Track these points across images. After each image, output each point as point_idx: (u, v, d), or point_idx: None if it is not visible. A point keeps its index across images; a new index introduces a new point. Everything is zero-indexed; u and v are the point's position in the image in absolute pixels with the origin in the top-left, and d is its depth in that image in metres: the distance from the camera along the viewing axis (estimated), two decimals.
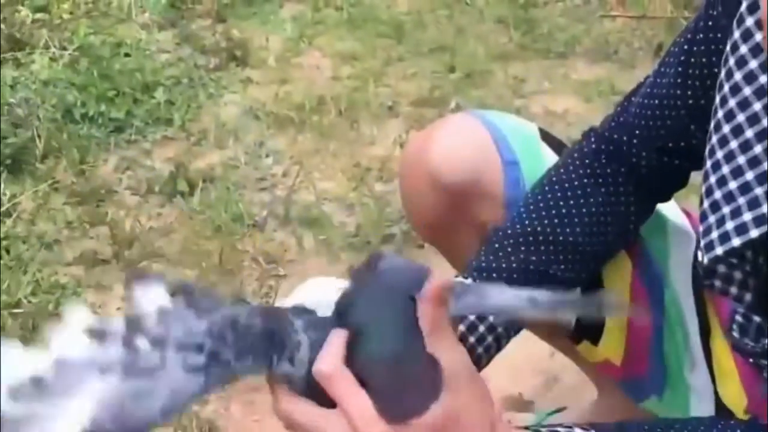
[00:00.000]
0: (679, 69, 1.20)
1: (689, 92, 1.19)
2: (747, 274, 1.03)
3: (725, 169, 1.03)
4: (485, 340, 1.18)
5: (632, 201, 1.29)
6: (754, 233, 0.98)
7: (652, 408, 1.44)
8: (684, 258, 1.37)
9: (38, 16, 3.23)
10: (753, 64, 1.02)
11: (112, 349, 0.86)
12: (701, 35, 1.16)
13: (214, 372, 0.89)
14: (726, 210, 1.02)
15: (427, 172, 1.36)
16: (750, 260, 1.03)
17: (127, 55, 3.06)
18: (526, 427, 1.03)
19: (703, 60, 1.16)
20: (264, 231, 2.41)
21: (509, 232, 1.26)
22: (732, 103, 1.03)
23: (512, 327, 1.22)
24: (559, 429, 1.01)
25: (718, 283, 1.06)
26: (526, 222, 1.25)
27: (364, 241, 2.37)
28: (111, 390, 0.85)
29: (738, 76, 1.04)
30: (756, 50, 1.01)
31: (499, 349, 1.21)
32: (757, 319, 1.05)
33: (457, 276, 1.24)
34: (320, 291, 1.02)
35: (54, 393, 0.84)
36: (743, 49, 1.05)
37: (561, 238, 1.24)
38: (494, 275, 1.21)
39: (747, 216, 1.00)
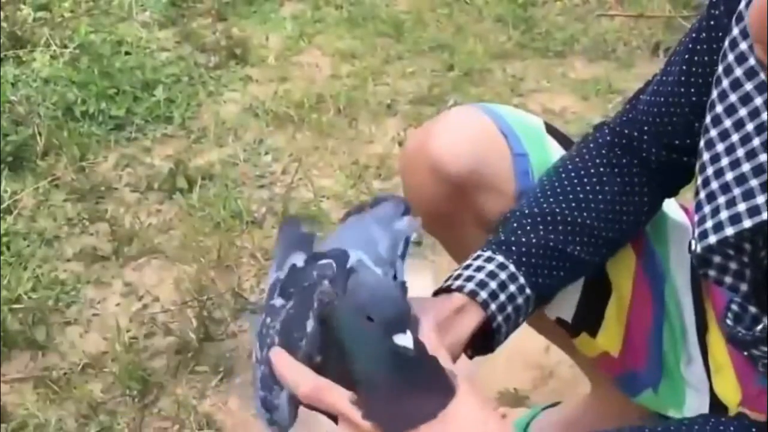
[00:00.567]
0: (683, 68, 1.21)
1: (692, 90, 1.21)
2: (743, 264, 1.05)
3: (724, 161, 1.05)
4: (505, 309, 1.20)
5: (645, 192, 1.31)
6: (747, 223, 1.00)
7: (647, 402, 1.45)
8: (683, 253, 1.38)
9: (39, 14, 3.24)
10: (753, 60, 1.03)
11: None
12: (704, 34, 1.18)
13: None
14: (721, 200, 1.04)
15: (429, 162, 1.36)
16: (747, 251, 1.04)
17: (127, 53, 3.07)
18: None
19: (705, 59, 1.18)
20: (262, 227, 2.42)
21: (526, 212, 1.27)
22: (733, 97, 1.04)
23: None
24: None
25: (713, 273, 1.07)
26: (544, 205, 1.26)
27: None
28: None
29: (738, 71, 1.06)
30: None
31: (517, 324, 1.24)
32: (752, 309, 1.07)
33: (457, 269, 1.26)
34: None
35: None
36: (743, 45, 1.06)
37: (579, 220, 1.25)
38: (513, 248, 1.22)
39: (741, 206, 1.01)
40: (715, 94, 1.07)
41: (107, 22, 3.23)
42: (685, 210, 1.44)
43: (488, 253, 1.23)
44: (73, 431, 1.93)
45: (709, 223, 1.04)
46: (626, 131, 1.29)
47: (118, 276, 2.29)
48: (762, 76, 1.00)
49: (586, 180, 1.28)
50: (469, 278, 1.20)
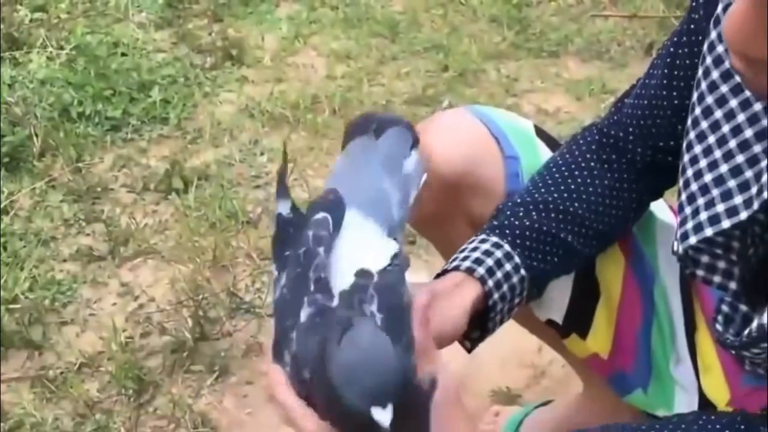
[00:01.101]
0: (665, 71, 1.23)
1: (675, 93, 1.23)
2: (732, 263, 1.06)
3: (702, 163, 1.06)
4: (501, 288, 1.22)
5: (633, 189, 1.32)
6: (726, 224, 1.02)
7: (637, 402, 1.46)
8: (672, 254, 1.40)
9: (36, 15, 3.25)
10: (729, 63, 1.05)
11: None
12: (684, 38, 1.20)
13: None
14: (701, 201, 1.05)
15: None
16: (735, 250, 1.06)
17: (123, 54, 3.08)
18: None
19: (687, 62, 1.20)
20: (258, 228, 2.44)
21: (519, 201, 1.28)
22: (710, 99, 1.06)
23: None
24: None
25: (701, 272, 1.09)
26: (536, 194, 1.28)
27: None
28: None
29: (715, 74, 1.07)
30: None
31: (512, 306, 1.25)
32: (743, 308, 1.08)
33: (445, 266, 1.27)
34: None
35: None
36: (720, 48, 1.08)
37: (571, 209, 1.27)
38: (507, 231, 1.24)
39: (720, 207, 1.03)
40: (695, 96, 1.09)
41: (103, 24, 3.24)
42: (674, 211, 1.45)
43: (483, 236, 1.25)
44: (69, 430, 1.94)
45: (689, 224, 1.06)
46: (613, 132, 1.31)
47: (114, 276, 2.30)
48: (737, 78, 1.02)
49: (577, 173, 1.30)
50: (466, 258, 1.21)
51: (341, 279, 1.04)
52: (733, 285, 1.07)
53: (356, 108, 2.88)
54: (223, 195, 2.51)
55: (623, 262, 1.41)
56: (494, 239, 1.23)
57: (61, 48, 3.06)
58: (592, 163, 1.31)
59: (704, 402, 1.39)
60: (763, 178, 0.98)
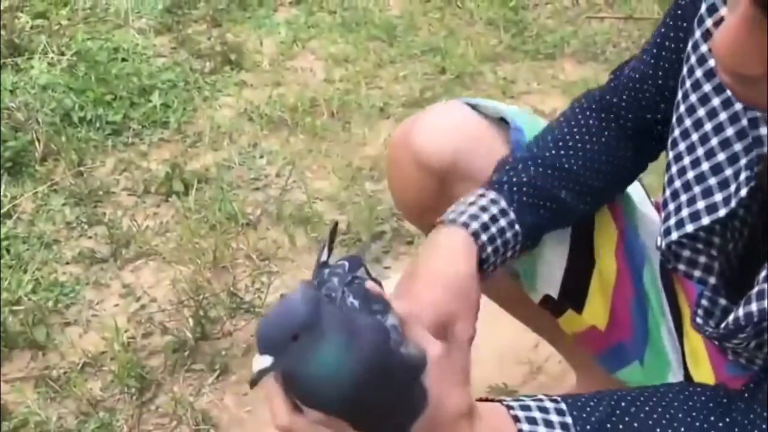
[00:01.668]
0: (654, 51, 1.27)
1: (660, 73, 1.27)
2: (711, 258, 1.09)
3: (685, 160, 1.09)
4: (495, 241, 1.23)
5: (628, 149, 1.35)
6: (706, 221, 1.04)
7: (632, 377, 1.47)
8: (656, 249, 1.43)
9: (37, 22, 3.29)
10: (712, 62, 1.08)
11: None
12: (671, 22, 1.23)
13: None
14: (683, 198, 1.08)
15: (413, 155, 1.39)
16: (716, 245, 1.08)
17: (124, 59, 3.12)
18: (499, 400, 1.06)
19: (672, 45, 1.23)
20: (257, 229, 2.46)
21: (518, 157, 1.31)
22: (693, 98, 1.09)
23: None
24: (529, 403, 1.05)
25: (682, 266, 1.11)
26: (535, 151, 1.31)
27: (355, 238, 2.42)
28: None
29: (699, 73, 1.10)
30: None
31: (504, 259, 1.26)
32: (722, 301, 1.11)
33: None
34: None
35: None
36: (703, 48, 1.11)
37: (566, 166, 1.30)
38: (505, 187, 1.26)
39: (701, 204, 1.06)
40: (680, 94, 1.11)
41: (104, 29, 3.28)
42: (657, 207, 1.48)
43: (481, 191, 1.26)
44: (73, 428, 1.96)
45: (672, 221, 1.08)
46: (608, 97, 1.34)
47: (116, 277, 2.33)
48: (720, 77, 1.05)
49: (576, 130, 1.33)
50: (462, 212, 1.23)
51: None
52: (712, 279, 1.10)
53: (354, 111, 2.91)
54: (222, 197, 2.54)
55: (616, 235, 1.43)
56: (492, 195, 1.25)
57: (62, 54, 3.09)
58: (591, 121, 1.34)
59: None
60: (742, 176, 1.01)
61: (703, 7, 1.12)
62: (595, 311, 1.45)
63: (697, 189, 1.07)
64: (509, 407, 1.04)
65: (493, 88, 3.04)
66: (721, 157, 1.05)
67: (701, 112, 1.08)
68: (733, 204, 1.02)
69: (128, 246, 2.41)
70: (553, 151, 1.30)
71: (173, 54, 3.20)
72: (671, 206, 1.10)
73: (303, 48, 3.27)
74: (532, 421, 1.03)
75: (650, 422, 1.05)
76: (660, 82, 1.27)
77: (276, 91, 3.01)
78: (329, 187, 2.61)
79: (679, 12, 1.22)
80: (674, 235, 1.08)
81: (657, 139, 1.33)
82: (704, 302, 1.11)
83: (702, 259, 1.10)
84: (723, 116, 1.05)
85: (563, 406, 1.05)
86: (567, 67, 3.16)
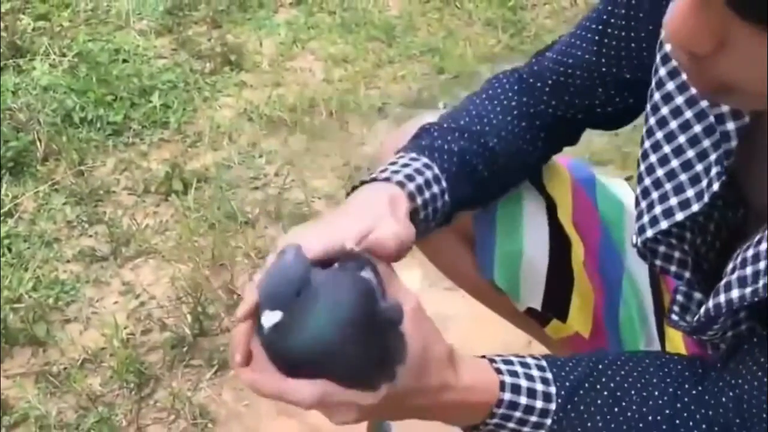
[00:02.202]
0: (596, 38, 1.26)
1: (603, 60, 1.26)
2: (685, 253, 1.11)
3: (653, 158, 1.10)
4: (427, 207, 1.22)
5: (543, 138, 1.35)
6: (679, 216, 1.06)
7: None
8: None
9: (39, 24, 3.32)
10: (675, 61, 1.09)
11: None
12: (622, 11, 1.23)
13: None
14: (655, 195, 1.09)
15: None
16: (688, 240, 1.10)
17: (125, 60, 3.15)
18: (482, 356, 1.09)
19: (622, 34, 1.23)
20: (255, 228, 2.49)
21: (445, 125, 1.30)
22: (656, 96, 1.09)
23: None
24: (512, 358, 1.09)
25: (659, 262, 1.13)
26: (461, 122, 1.30)
27: None
28: None
29: (663, 71, 1.11)
30: None
31: (428, 228, 1.24)
32: (697, 295, 1.12)
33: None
34: None
35: None
36: (668, 47, 1.11)
37: (490, 144, 1.29)
38: (436, 155, 1.25)
39: (673, 201, 1.07)
40: (648, 106, 1.12)
41: (105, 31, 3.31)
42: None
43: (413, 154, 1.24)
44: (72, 422, 1.99)
45: (645, 218, 1.10)
46: (531, 80, 1.33)
47: (116, 275, 2.36)
48: (683, 76, 1.06)
49: (499, 109, 1.32)
50: (396, 171, 1.20)
51: None
52: (687, 274, 1.11)
53: (353, 111, 2.94)
54: (221, 196, 2.57)
55: (582, 253, 1.45)
56: (424, 159, 1.23)
57: (64, 55, 3.12)
58: (513, 104, 1.33)
59: None
60: (712, 171, 1.02)
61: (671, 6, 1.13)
62: (579, 319, 1.47)
63: (668, 186, 1.08)
64: (492, 360, 1.07)
65: None
66: (690, 153, 1.06)
67: (665, 110, 1.08)
68: (705, 199, 1.03)
69: (128, 244, 2.44)
70: (478, 126, 1.30)
71: (174, 55, 3.23)
72: (643, 204, 1.11)
73: (303, 49, 3.29)
74: (513, 374, 1.06)
75: (626, 384, 1.08)
76: (603, 69, 1.26)
77: (275, 92, 3.03)
78: (327, 186, 2.64)
79: (633, 2, 1.21)
80: (649, 233, 1.09)
81: (579, 124, 1.33)
82: (679, 297, 1.13)
83: (677, 254, 1.11)
84: (689, 114, 1.06)
85: (544, 363, 1.09)
86: None
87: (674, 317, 1.12)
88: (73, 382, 2.05)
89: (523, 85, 1.34)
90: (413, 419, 1.06)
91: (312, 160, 2.74)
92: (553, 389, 1.07)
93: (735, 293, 0.97)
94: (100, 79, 2.99)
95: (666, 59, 1.09)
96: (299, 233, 1.08)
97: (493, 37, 3.34)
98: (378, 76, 3.14)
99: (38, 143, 2.72)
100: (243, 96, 3.02)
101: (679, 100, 1.06)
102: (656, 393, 1.07)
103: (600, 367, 1.09)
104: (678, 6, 0.81)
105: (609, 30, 1.24)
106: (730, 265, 1.00)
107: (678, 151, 1.06)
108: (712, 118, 1.02)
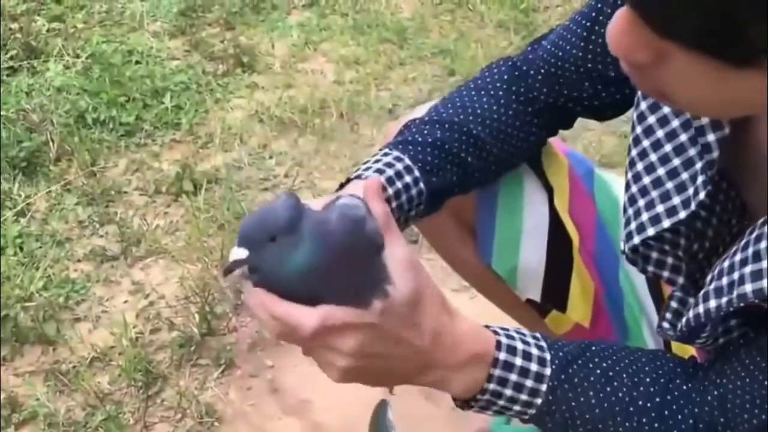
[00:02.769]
0: (584, 34, 1.28)
1: (590, 56, 1.28)
2: (679, 259, 1.11)
3: (639, 166, 1.11)
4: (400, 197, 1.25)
5: (535, 124, 1.37)
6: (666, 223, 1.07)
7: None
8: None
9: (53, 25, 3.35)
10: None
11: None
12: (609, 11, 1.24)
13: None
14: (641, 203, 1.10)
15: None
16: (681, 246, 1.11)
17: (138, 62, 3.17)
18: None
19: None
20: None
21: (426, 119, 1.33)
22: (643, 105, 1.10)
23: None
24: (507, 326, 1.10)
25: (651, 268, 1.14)
26: (443, 114, 1.32)
27: None
28: None
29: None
30: None
31: (408, 218, 1.27)
32: (692, 300, 1.13)
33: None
34: None
35: None
36: None
37: (474, 132, 1.31)
38: (410, 148, 1.27)
39: (660, 208, 1.08)
40: (635, 115, 1.13)
41: (119, 33, 3.33)
42: None
43: (386, 150, 1.28)
44: (81, 420, 2.01)
45: (633, 225, 1.11)
46: (524, 68, 1.35)
47: (126, 275, 2.38)
48: None
49: (485, 98, 1.34)
50: (368, 168, 1.24)
51: None
52: (681, 279, 1.12)
53: (363, 112, 2.95)
54: (231, 197, 2.59)
55: (578, 242, 1.46)
56: (396, 153, 1.27)
57: (77, 56, 3.15)
58: (501, 92, 1.35)
59: None
60: (699, 180, 1.03)
61: None
62: (579, 309, 1.48)
63: (654, 193, 1.09)
64: (487, 326, 1.09)
65: None
66: (676, 162, 1.06)
67: (651, 119, 1.09)
68: (693, 206, 1.04)
69: (138, 244, 2.46)
70: (462, 116, 1.31)
71: (186, 57, 3.25)
72: (630, 211, 1.12)
73: (314, 50, 3.31)
74: (509, 336, 1.08)
75: (618, 368, 1.10)
76: (589, 65, 1.28)
77: (287, 93, 3.05)
78: (337, 186, 2.64)
79: (619, 2, 1.22)
80: (636, 239, 1.10)
81: (570, 113, 1.35)
82: (673, 304, 1.13)
83: (669, 260, 1.12)
84: (675, 123, 1.06)
85: (539, 334, 1.11)
86: None
87: (666, 324, 1.13)
88: (82, 381, 2.08)
89: (516, 72, 1.36)
90: (409, 385, 1.08)
91: (322, 162, 2.76)
92: (548, 355, 1.08)
93: (712, 303, 0.98)
94: (113, 81, 3.01)
95: None
96: None
97: (505, 39, 3.35)
98: (389, 78, 3.16)
99: (51, 144, 2.74)
100: (254, 97, 3.04)
101: (666, 109, 1.07)
102: (647, 380, 1.09)
103: (593, 348, 1.12)
104: (618, 18, 0.82)
105: (597, 28, 1.26)
106: (709, 276, 1.01)
107: (664, 160, 1.07)
108: (693, 131, 1.03)
